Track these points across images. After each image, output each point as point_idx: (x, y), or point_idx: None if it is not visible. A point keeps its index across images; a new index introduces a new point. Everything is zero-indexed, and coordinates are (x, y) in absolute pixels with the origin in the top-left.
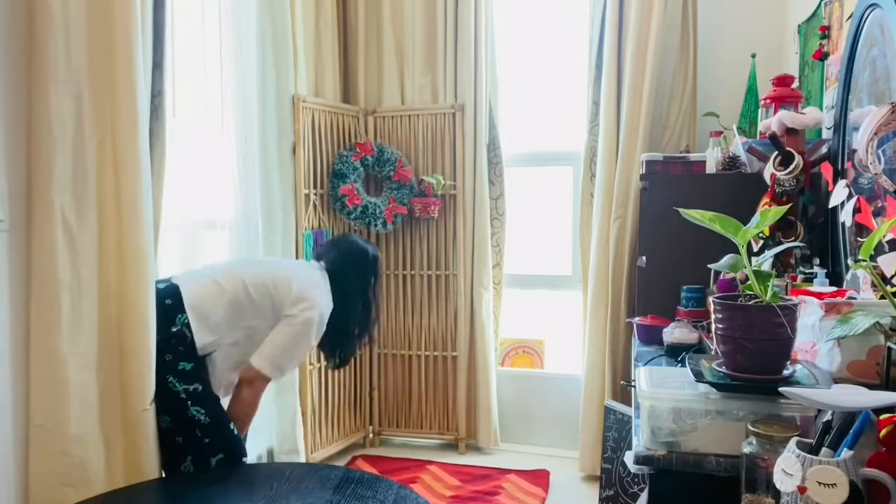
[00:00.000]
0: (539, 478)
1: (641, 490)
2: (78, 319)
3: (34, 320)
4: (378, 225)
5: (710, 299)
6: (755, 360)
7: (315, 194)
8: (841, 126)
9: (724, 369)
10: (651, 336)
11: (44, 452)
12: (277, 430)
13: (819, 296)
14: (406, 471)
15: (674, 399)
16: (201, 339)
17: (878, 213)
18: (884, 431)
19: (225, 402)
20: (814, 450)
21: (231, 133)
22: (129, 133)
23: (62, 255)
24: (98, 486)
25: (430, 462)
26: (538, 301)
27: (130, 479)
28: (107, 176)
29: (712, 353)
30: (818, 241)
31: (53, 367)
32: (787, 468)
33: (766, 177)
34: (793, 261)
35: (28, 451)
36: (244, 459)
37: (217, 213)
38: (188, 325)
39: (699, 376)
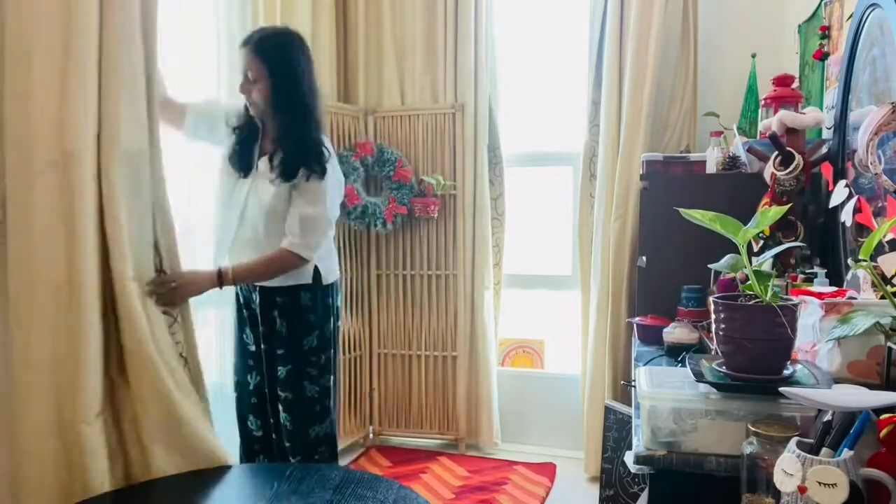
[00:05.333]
0: (545, 473)
1: (641, 490)
2: (29, 322)
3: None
4: (378, 225)
5: (711, 299)
6: (755, 360)
7: None
8: (841, 126)
9: (724, 369)
10: (651, 336)
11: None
12: None
13: (819, 296)
14: (418, 461)
15: (674, 399)
16: None
17: (878, 213)
18: (884, 431)
19: None
20: (814, 450)
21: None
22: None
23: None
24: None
25: (441, 454)
26: (538, 301)
27: (74, 497)
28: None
29: (712, 353)
30: (818, 241)
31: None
32: (788, 468)
33: (767, 177)
34: (793, 261)
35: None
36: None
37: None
38: None
39: (699, 376)
